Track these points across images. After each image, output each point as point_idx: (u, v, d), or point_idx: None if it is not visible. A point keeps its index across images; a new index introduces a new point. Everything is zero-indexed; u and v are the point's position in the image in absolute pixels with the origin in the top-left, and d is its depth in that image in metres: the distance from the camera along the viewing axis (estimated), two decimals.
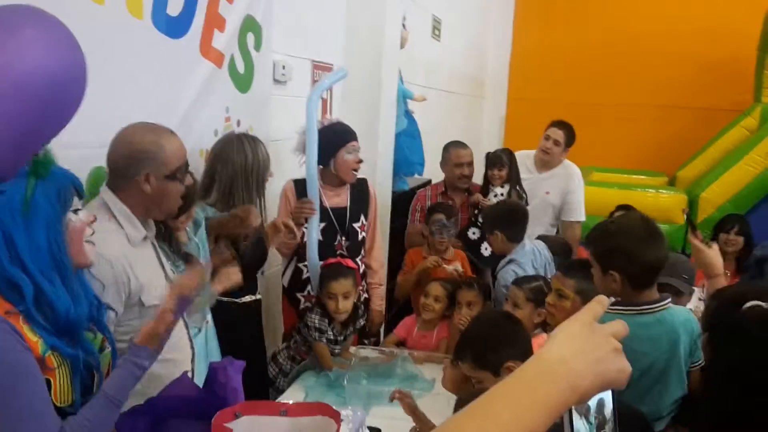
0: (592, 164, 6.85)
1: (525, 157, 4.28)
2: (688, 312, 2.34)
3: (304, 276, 3.23)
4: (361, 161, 3.24)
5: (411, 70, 5.00)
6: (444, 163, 4.09)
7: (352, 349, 3.09)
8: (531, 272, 3.18)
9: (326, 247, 3.19)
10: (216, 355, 2.53)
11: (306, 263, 3.18)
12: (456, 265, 3.52)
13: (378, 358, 3.01)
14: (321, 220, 3.15)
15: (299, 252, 3.23)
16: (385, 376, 2.86)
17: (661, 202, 6.15)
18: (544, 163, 4.29)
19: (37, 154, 1.42)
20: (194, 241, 2.44)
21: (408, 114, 4.55)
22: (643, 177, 7.55)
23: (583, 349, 0.79)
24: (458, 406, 1.79)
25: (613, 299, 2.17)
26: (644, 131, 8.26)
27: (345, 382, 2.70)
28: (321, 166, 3.18)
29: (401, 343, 3.26)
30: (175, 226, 2.26)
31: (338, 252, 3.23)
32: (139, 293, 1.91)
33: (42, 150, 1.43)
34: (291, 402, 2.12)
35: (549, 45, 8.40)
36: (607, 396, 0.87)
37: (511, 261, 3.26)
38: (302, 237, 3.15)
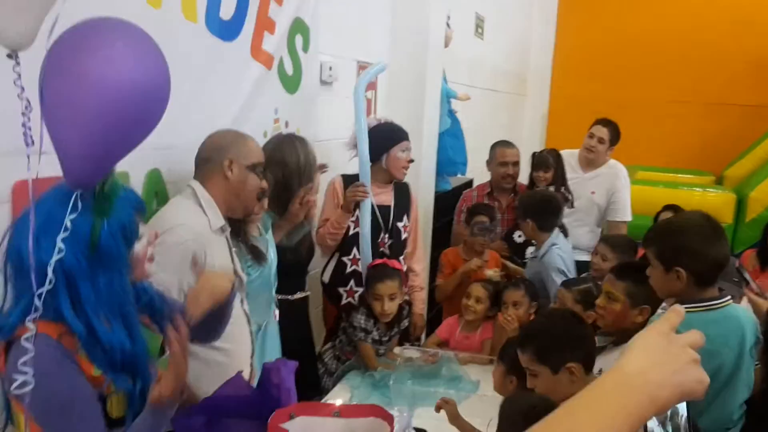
0: (636, 163, 6.74)
1: (569, 157, 4.24)
2: (746, 308, 2.33)
3: (348, 270, 3.25)
4: (412, 161, 3.29)
5: (454, 69, 4.99)
6: (490, 162, 4.07)
7: (397, 349, 3.11)
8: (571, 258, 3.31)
9: (372, 244, 3.21)
10: (277, 353, 2.58)
11: (350, 257, 3.21)
12: (496, 270, 3.53)
13: (422, 359, 3.02)
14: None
15: (342, 246, 3.26)
16: (430, 377, 2.86)
17: (708, 201, 6.03)
18: (589, 162, 4.24)
19: (102, 189, 1.37)
20: (264, 238, 2.54)
21: (451, 113, 4.54)
22: (689, 176, 7.42)
23: (661, 360, 0.79)
24: (505, 406, 1.79)
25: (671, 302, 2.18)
26: (690, 129, 8.10)
27: (390, 382, 2.71)
28: (371, 163, 3.19)
29: (443, 344, 3.27)
30: (250, 218, 2.40)
31: (381, 250, 3.26)
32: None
33: (107, 184, 1.38)
34: (339, 402, 2.16)
35: (592, 41, 8.28)
36: (681, 405, 0.87)
37: (553, 245, 3.35)
38: (347, 232, 3.19)
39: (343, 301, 3.28)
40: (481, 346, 3.20)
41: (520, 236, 3.88)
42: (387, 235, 3.29)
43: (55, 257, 1.26)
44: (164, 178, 2.33)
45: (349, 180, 3.18)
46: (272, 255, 2.57)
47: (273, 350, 2.62)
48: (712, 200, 6.17)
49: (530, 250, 3.79)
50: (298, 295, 2.88)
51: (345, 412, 1.56)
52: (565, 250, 3.44)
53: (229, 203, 2.19)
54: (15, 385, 1.22)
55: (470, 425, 2.22)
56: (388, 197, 3.31)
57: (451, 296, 3.54)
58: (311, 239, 2.90)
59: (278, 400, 1.73)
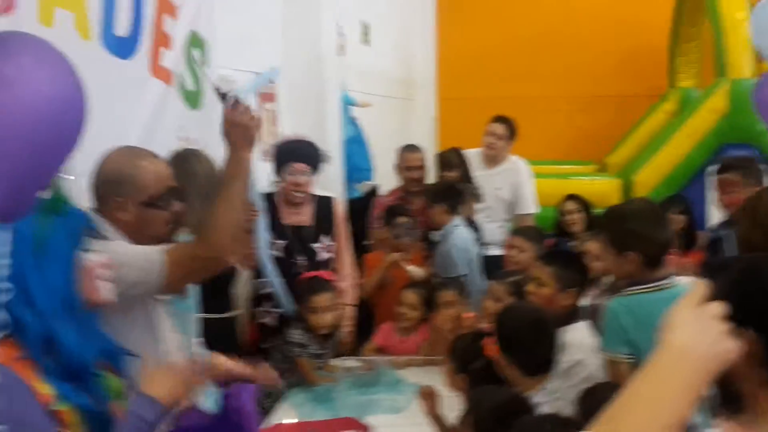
0: (521, 157, 6.98)
1: (473, 156, 4.33)
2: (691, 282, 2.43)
3: (263, 291, 3.17)
4: (299, 184, 3.17)
5: (347, 77, 4.97)
6: (396, 168, 4.08)
7: (335, 361, 3.04)
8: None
9: (286, 265, 3.14)
10: None
11: (261, 279, 3.12)
12: (418, 269, 3.54)
13: (361, 368, 2.97)
14: (281, 238, 3.10)
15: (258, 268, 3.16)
16: (371, 386, 2.83)
17: (596, 188, 6.31)
18: (491, 158, 4.35)
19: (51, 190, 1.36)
20: None
21: (352, 121, 4.53)
22: (573, 166, 7.76)
23: (701, 332, 0.83)
24: (477, 402, 1.78)
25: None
26: (569, 122, 8.50)
27: (334, 395, 2.65)
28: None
29: (381, 350, 3.23)
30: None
31: (296, 271, 3.18)
32: None
33: (56, 187, 1.37)
34: (286, 421, 2.07)
35: (473, 43, 8.53)
36: None
37: (455, 225, 3.60)
38: None
39: (263, 320, 3.17)
40: (418, 349, 3.18)
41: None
42: (304, 257, 3.21)
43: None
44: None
45: (264, 198, 3.13)
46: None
47: None
48: (600, 187, 6.46)
49: (438, 234, 3.85)
50: (228, 314, 2.76)
51: (320, 428, 1.49)
52: (467, 236, 3.68)
53: (135, 238, 1.88)
54: None
55: (444, 419, 2.20)
56: (304, 218, 3.23)
57: (382, 302, 3.49)
58: None
59: (240, 426, 1.64)
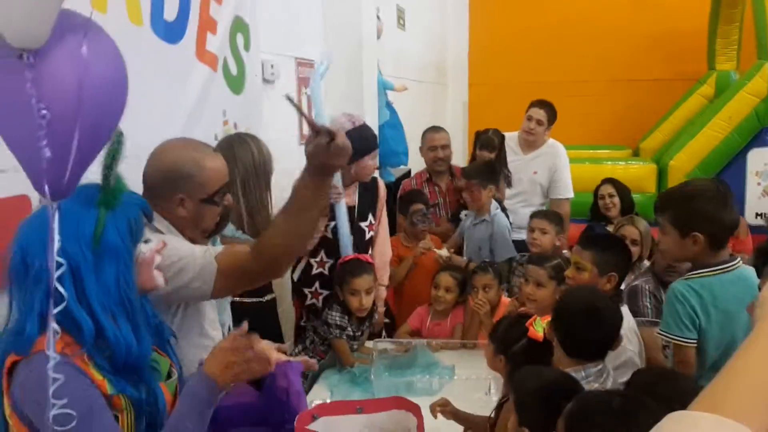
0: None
1: (509, 140, 4.31)
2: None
3: (315, 271, 3.20)
4: (374, 169, 3.25)
5: (382, 61, 4.99)
6: (421, 149, 4.11)
7: (370, 343, 3.08)
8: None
9: (334, 246, 3.17)
10: None
11: (317, 259, 3.16)
12: (443, 249, 3.57)
13: (396, 350, 3.01)
14: (330, 218, 3.13)
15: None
16: (406, 367, 2.86)
17: (631, 173, 6.29)
18: (529, 143, 4.33)
19: (108, 183, 1.34)
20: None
21: (389, 105, 4.55)
22: (607, 151, 7.70)
23: None
24: (522, 382, 1.77)
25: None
26: (604, 106, 8.42)
27: (371, 376, 2.69)
28: None
29: (415, 333, 3.27)
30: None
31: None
32: None
33: (112, 177, 1.34)
34: (318, 402, 2.11)
35: (504, 28, 8.49)
36: None
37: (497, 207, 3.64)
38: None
39: (308, 302, 3.23)
40: (452, 332, 3.21)
41: (466, 215, 3.96)
42: (351, 236, 3.25)
43: (56, 273, 1.20)
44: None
45: None
46: None
47: None
48: (635, 172, 6.44)
49: (464, 213, 3.93)
50: (268, 297, 2.81)
51: (368, 407, 1.53)
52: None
53: (185, 231, 1.87)
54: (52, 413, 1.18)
55: (468, 414, 2.22)
56: (351, 198, 3.26)
57: (416, 287, 3.52)
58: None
59: (287, 404, 1.69)
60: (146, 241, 1.45)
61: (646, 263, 3.20)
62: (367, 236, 3.30)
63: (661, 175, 6.49)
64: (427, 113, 7.11)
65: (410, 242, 3.65)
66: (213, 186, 1.83)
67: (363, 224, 3.27)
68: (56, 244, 1.21)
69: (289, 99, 1.66)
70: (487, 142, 4.00)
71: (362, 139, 3.13)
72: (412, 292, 3.52)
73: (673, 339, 2.19)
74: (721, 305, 2.17)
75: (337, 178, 3.06)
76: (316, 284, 3.20)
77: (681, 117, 7.49)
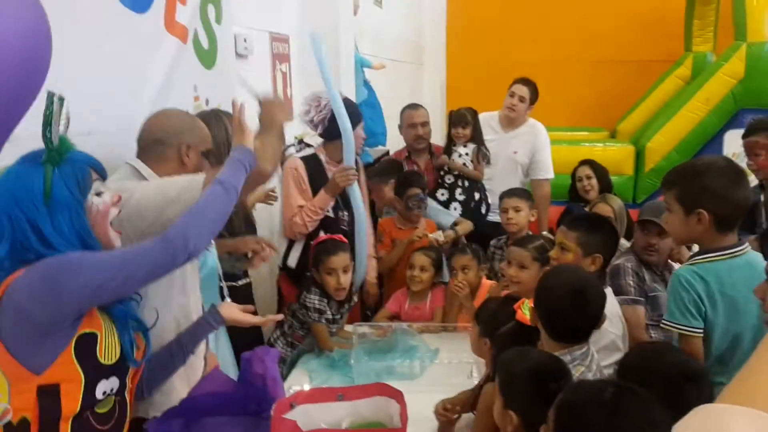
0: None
1: (489, 119, 4.24)
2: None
3: None
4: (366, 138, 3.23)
5: (358, 38, 4.87)
6: (400, 127, 4.02)
7: (349, 327, 3.01)
8: None
9: (333, 223, 3.16)
10: (226, 347, 2.41)
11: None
12: (437, 232, 3.49)
13: (376, 334, 2.94)
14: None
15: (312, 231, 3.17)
16: (386, 351, 2.80)
17: (609, 155, 6.22)
18: (510, 121, 4.25)
19: (49, 142, 1.40)
20: None
21: (367, 83, 4.44)
22: (584, 133, 7.65)
23: None
24: (508, 364, 1.71)
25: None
26: (581, 87, 8.38)
27: (351, 361, 2.62)
28: (325, 141, 3.16)
29: (394, 317, 3.20)
30: None
31: (341, 227, 3.20)
32: None
33: (54, 137, 1.41)
34: (297, 388, 2.03)
35: (483, 8, 8.39)
36: None
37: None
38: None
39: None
40: (432, 315, 3.15)
41: (443, 195, 3.92)
42: (346, 212, 3.22)
43: None
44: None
45: (309, 162, 3.14)
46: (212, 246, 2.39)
47: (223, 345, 2.46)
48: (613, 153, 6.39)
49: (453, 206, 3.88)
50: (242, 282, 2.71)
51: (349, 394, 1.45)
52: None
53: None
54: None
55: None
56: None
57: (397, 270, 3.46)
58: (253, 224, 2.73)
59: (263, 391, 1.60)
60: (98, 194, 1.50)
61: (624, 243, 3.16)
62: None
63: (639, 156, 6.46)
64: (405, 93, 7.00)
65: (404, 225, 3.58)
66: (208, 144, 2.05)
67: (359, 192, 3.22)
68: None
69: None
70: (460, 119, 3.92)
71: (350, 113, 3.08)
72: (404, 277, 3.42)
73: (678, 329, 2.04)
74: (728, 292, 2.02)
75: (351, 161, 3.06)
76: None
77: (658, 99, 7.46)
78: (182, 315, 1.89)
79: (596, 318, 1.93)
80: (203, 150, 2.01)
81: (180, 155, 1.95)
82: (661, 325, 2.17)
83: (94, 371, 1.39)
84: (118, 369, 1.46)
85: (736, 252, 2.04)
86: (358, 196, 3.13)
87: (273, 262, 3.25)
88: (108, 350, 1.43)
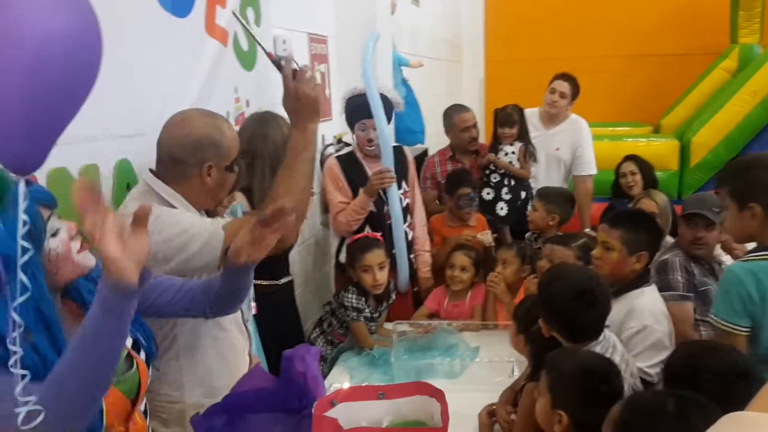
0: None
1: (530, 116, 4.21)
2: None
3: None
4: (371, 140, 3.18)
5: (397, 37, 4.88)
6: (449, 130, 4.01)
7: (389, 325, 3.01)
8: None
9: (377, 218, 3.21)
10: (257, 346, 2.43)
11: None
12: (485, 233, 3.50)
13: (415, 332, 2.93)
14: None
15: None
16: (427, 350, 2.79)
17: (653, 150, 6.12)
18: (551, 117, 4.21)
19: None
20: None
21: (404, 82, 4.44)
22: (628, 128, 7.54)
23: None
24: (556, 363, 1.70)
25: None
26: (623, 82, 8.27)
27: (392, 359, 2.62)
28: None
29: (433, 316, 3.20)
30: (216, 211, 2.13)
31: (388, 222, 3.24)
32: None
33: None
34: (337, 386, 2.04)
35: (521, 3, 8.33)
36: None
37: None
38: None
39: None
40: (472, 313, 3.14)
41: (488, 194, 3.91)
42: (389, 206, 3.24)
43: (22, 259, 1.11)
44: (135, 168, 2.14)
45: (344, 161, 3.22)
46: None
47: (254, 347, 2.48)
48: (657, 148, 6.28)
49: (500, 206, 3.88)
50: (284, 280, 2.74)
51: (390, 392, 1.46)
52: None
53: (201, 202, 1.88)
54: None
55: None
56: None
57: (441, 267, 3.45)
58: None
59: (304, 389, 1.62)
60: (54, 234, 1.23)
61: (669, 239, 3.10)
62: (404, 203, 3.28)
63: (684, 151, 6.34)
64: (443, 91, 6.99)
65: (455, 223, 3.61)
66: (233, 153, 1.85)
67: (398, 193, 3.24)
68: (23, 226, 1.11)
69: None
70: (507, 119, 3.90)
71: (350, 108, 3.21)
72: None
73: (722, 325, 2.01)
74: None
75: (389, 161, 3.10)
76: None
77: (703, 92, 7.31)
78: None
79: (607, 312, 1.95)
80: (227, 164, 1.83)
81: (201, 175, 1.79)
82: (708, 318, 2.14)
83: None
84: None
85: None
86: (395, 197, 3.14)
87: (315, 260, 3.29)
88: None
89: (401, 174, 3.30)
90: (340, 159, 3.26)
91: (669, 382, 1.74)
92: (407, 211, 3.34)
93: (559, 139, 4.19)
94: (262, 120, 2.57)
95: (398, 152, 3.31)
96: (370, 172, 3.20)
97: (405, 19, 5.35)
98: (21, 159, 1.14)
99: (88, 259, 1.29)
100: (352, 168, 3.24)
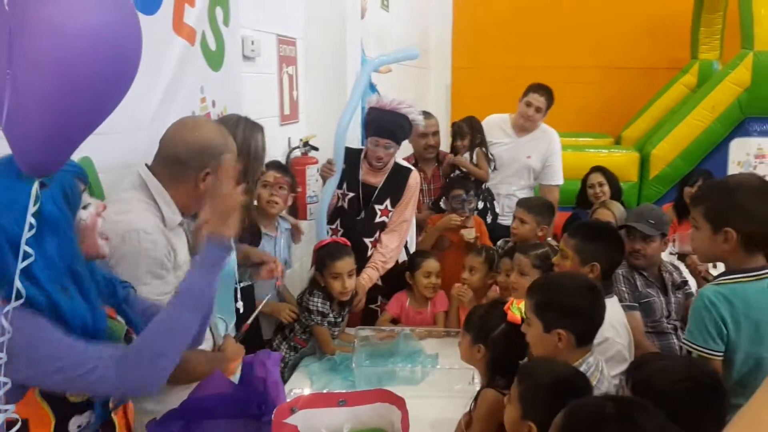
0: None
1: (502, 122, 4.23)
2: None
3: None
4: (380, 157, 3.23)
5: (364, 41, 4.87)
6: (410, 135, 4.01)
7: (351, 330, 3.01)
8: None
9: (348, 218, 3.29)
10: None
11: (332, 227, 3.32)
12: (470, 230, 3.53)
13: (378, 338, 2.94)
14: (351, 191, 3.29)
15: (330, 216, 3.36)
16: (388, 355, 2.80)
17: (614, 161, 6.20)
18: (524, 128, 4.24)
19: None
20: None
21: (373, 87, 4.43)
22: (589, 139, 7.66)
23: None
24: (529, 374, 1.70)
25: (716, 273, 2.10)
26: (587, 93, 8.37)
27: (353, 364, 2.62)
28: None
29: (395, 321, 3.20)
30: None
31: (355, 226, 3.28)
32: (177, 271, 1.81)
33: None
34: (298, 392, 2.03)
35: (488, 12, 8.39)
36: None
37: None
38: (335, 203, 3.35)
39: None
40: (434, 320, 3.15)
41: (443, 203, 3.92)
42: (363, 213, 3.28)
43: (22, 264, 1.19)
44: (96, 167, 2.10)
45: (350, 153, 3.31)
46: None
47: None
48: (617, 160, 6.40)
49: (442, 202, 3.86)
50: (244, 283, 2.71)
51: (351, 399, 1.46)
52: None
53: (188, 206, 1.92)
54: None
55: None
56: (377, 180, 3.29)
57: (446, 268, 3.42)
58: (258, 229, 2.74)
59: (264, 395, 1.61)
60: (85, 207, 1.39)
61: None
62: (377, 219, 3.28)
63: (644, 163, 6.48)
64: (409, 97, 6.99)
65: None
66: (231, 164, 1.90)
67: (378, 206, 3.28)
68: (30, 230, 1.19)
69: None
70: (458, 131, 4.05)
71: (369, 120, 3.31)
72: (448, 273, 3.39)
73: (696, 350, 1.98)
74: (754, 315, 1.95)
75: (339, 160, 3.22)
76: None
77: (663, 106, 7.48)
78: None
79: (605, 309, 1.96)
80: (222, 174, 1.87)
81: (197, 180, 1.84)
82: (681, 342, 2.15)
83: (64, 408, 1.33)
84: (92, 401, 1.38)
85: (762, 274, 1.97)
86: (329, 193, 3.26)
87: None
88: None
89: (391, 192, 3.30)
90: (350, 150, 3.33)
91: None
92: (377, 227, 3.30)
93: (530, 147, 4.22)
94: (238, 124, 2.50)
95: (401, 172, 3.34)
96: (361, 176, 3.30)
97: (373, 23, 5.34)
98: (42, 160, 1.16)
99: (105, 248, 1.45)
100: (350, 161, 3.31)
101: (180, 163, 1.84)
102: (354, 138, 3.74)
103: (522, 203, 3.52)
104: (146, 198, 1.82)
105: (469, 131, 4.01)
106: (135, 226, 1.72)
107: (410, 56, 3.30)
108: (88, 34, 1.06)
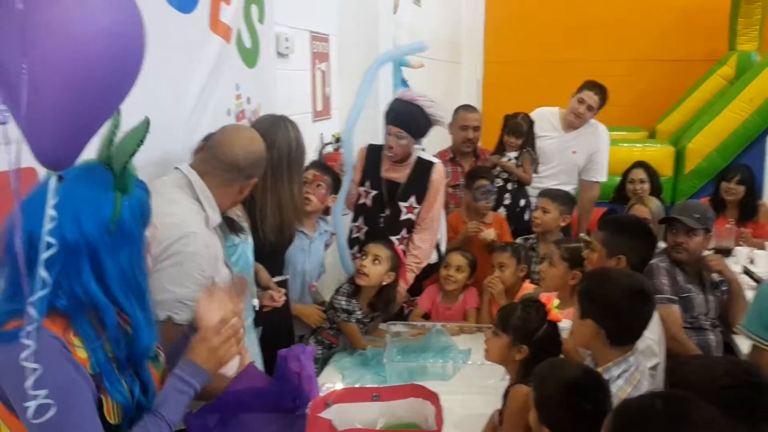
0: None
1: (550, 115, 4.19)
2: None
3: (354, 235, 3.32)
4: (390, 147, 3.17)
5: (397, 37, 4.88)
6: (451, 126, 4.00)
7: (383, 325, 3.02)
8: None
9: (371, 215, 3.25)
10: (254, 345, 2.44)
11: (356, 224, 3.29)
12: (490, 231, 3.49)
13: (410, 333, 2.95)
14: (374, 188, 3.23)
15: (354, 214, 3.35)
16: (420, 351, 2.81)
17: (648, 156, 6.10)
18: (572, 124, 4.17)
19: (122, 167, 1.30)
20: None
21: (405, 82, 4.44)
22: (623, 133, 7.54)
23: None
24: (544, 376, 1.70)
25: None
26: (620, 86, 8.16)
27: (384, 360, 2.63)
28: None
29: (426, 316, 3.21)
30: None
31: (381, 217, 3.26)
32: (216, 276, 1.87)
33: (120, 159, 1.31)
34: (329, 386, 2.05)
35: (521, 5, 8.33)
36: None
37: None
38: (356, 200, 3.31)
39: None
40: (465, 315, 3.15)
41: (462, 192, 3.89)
42: (388, 210, 3.24)
43: (45, 254, 1.19)
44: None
45: (373, 150, 3.28)
46: (249, 239, 2.42)
47: (252, 343, 2.48)
48: (652, 154, 6.30)
49: (500, 210, 3.85)
50: (278, 279, 2.74)
51: (384, 394, 1.48)
52: None
53: (224, 206, 2.04)
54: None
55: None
56: (401, 175, 3.24)
57: None
58: (288, 221, 2.77)
59: (298, 389, 1.63)
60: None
61: (662, 245, 3.14)
62: (403, 217, 3.24)
63: (679, 157, 6.38)
64: (441, 92, 6.98)
65: (471, 218, 3.60)
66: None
67: (402, 204, 3.23)
68: (49, 222, 1.19)
69: None
70: (516, 128, 3.92)
71: (387, 110, 3.23)
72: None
73: (753, 339, 1.96)
74: None
75: (347, 155, 3.22)
76: (355, 248, 3.26)
77: (699, 98, 7.34)
78: None
79: (651, 314, 1.94)
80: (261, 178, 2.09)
81: (242, 186, 1.98)
82: (736, 330, 2.13)
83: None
84: (131, 419, 1.38)
85: None
86: (344, 188, 3.23)
87: None
88: (115, 412, 1.34)
89: (416, 188, 3.24)
90: (373, 147, 3.31)
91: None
92: (402, 224, 3.25)
93: (577, 143, 4.17)
94: (272, 125, 2.50)
95: (425, 166, 3.26)
96: (383, 172, 3.25)
97: (406, 19, 5.35)
98: (57, 155, 1.19)
99: (150, 261, 1.47)
100: (373, 158, 3.28)
101: (237, 170, 1.94)
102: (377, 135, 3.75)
103: (545, 193, 3.54)
104: (192, 198, 1.90)
105: (526, 132, 3.96)
106: (189, 229, 1.80)
107: (417, 49, 3.24)
108: (99, 35, 1.10)
